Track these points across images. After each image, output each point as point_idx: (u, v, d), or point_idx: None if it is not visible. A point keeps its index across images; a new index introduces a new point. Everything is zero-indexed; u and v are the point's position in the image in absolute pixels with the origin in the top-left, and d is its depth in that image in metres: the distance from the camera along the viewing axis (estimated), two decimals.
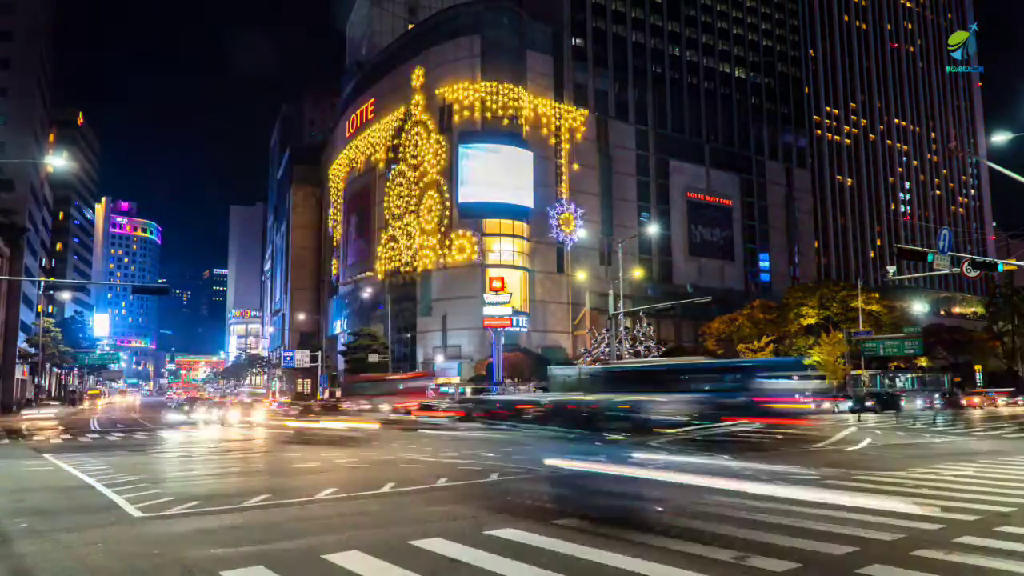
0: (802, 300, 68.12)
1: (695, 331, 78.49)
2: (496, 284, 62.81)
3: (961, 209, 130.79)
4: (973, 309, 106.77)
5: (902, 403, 47.32)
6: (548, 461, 12.05)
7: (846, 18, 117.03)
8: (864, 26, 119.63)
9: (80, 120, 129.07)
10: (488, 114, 78.05)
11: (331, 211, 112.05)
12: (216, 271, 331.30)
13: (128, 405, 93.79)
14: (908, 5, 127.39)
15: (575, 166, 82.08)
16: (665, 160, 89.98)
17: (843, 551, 8.26)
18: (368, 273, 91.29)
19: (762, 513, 10.33)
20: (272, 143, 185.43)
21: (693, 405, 11.34)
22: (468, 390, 60.06)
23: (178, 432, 34.94)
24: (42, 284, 75.87)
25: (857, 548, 8.38)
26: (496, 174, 75.46)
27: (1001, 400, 56.43)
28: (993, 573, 7.44)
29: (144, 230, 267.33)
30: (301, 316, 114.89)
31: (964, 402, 54.08)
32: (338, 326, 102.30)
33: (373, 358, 70.34)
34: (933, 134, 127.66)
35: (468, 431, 31.05)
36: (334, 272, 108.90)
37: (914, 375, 60.76)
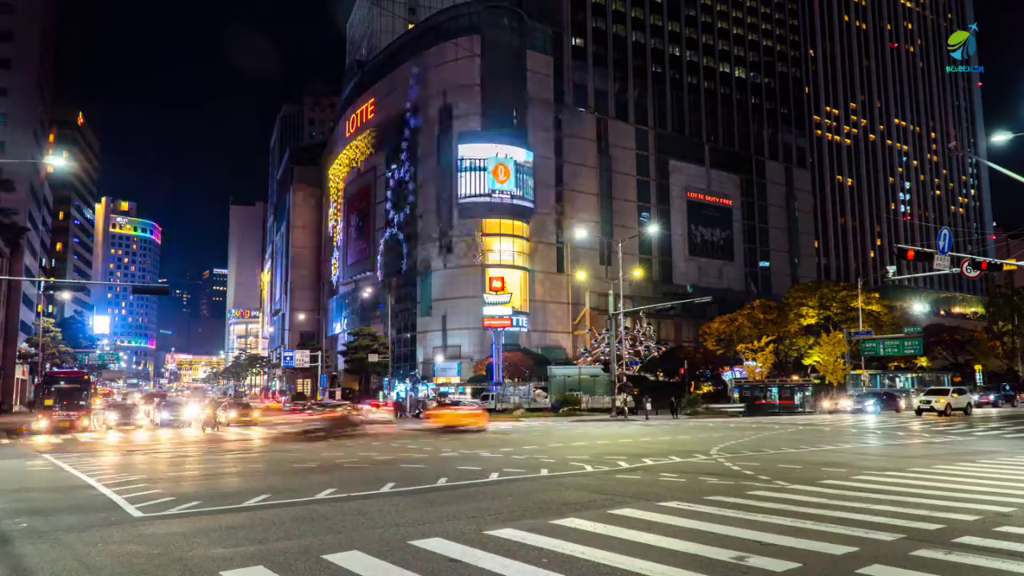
0: (802, 300, 68.16)
1: (695, 331, 78.55)
2: (496, 284, 62.82)
3: (961, 209, 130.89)
4: (973, 309, 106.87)
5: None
6: None
7: (846, 18, 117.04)
8: (864, 26, 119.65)
9: (80, 120, 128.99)
10: (488, 114, 78.04)
11: (331, 211, 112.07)
12: (216, 271, 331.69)
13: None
14: (908, 5, 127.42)
15: (575, 166, 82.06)
16: (665, 160, 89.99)
17: (843, 551, 8.25)
18: (368, 273, 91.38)
19: None
20: (272, 143, 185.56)
21: None
22: (468, 390, 60.13)
23: None
24: (42, 284, 75.82)
25: (857, 548, 8.37)
26: (496, 174, 75.46)
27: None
28: (993, 573, 7.42)
29: (144, 230, 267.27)
30: (301, 316, 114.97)
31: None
32: (338, 326, 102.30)
33: (373, 358, 70.27)
34: (933, 134, 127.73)
35: None
36: (334, 272, 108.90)
37: (914, 375, 60.82)
